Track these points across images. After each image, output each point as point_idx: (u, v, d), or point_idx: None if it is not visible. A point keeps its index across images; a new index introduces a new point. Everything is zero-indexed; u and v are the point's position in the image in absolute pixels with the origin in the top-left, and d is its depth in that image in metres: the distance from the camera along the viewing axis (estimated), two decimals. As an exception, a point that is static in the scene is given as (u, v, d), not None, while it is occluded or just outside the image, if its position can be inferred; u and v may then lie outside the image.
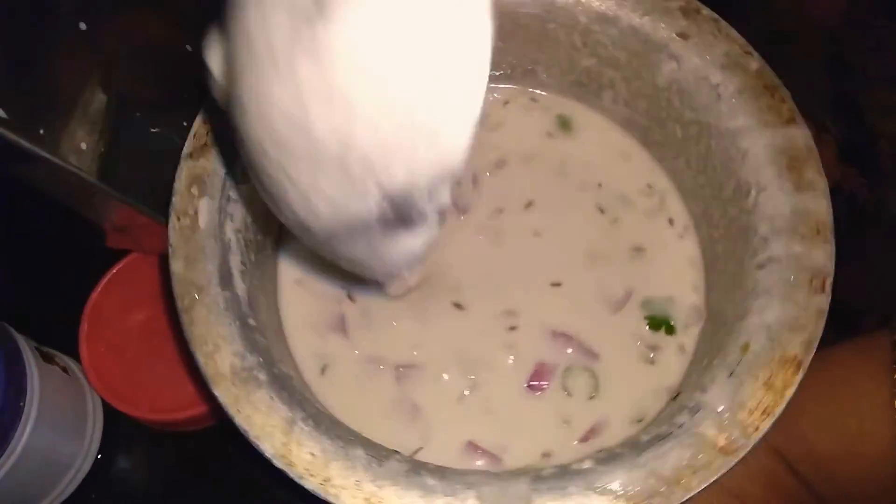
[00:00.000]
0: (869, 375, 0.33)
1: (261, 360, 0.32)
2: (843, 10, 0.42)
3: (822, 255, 0.33)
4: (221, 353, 0.31)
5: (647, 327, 0.39)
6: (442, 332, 0.38)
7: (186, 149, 0.36)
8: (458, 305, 0.39)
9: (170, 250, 0.33)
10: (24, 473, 0.38)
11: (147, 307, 0.44)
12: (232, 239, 0.35)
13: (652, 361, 0.38)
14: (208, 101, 0.35)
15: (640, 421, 0.36)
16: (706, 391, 0.31)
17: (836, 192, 0.40)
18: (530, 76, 0.44)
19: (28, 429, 0.37)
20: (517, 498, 0.29)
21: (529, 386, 0.37)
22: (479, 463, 0.35)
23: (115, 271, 0.45)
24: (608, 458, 0.30)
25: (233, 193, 0.36)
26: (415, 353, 0.38)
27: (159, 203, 0.38)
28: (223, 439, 0.45)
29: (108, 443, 0.45)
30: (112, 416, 0.45)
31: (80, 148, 0.34)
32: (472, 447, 0.36)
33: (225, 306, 0.32)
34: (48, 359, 0.41)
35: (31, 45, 0.33)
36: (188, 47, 0.40)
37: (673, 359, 0.38)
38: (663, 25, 0.38)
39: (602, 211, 0.41)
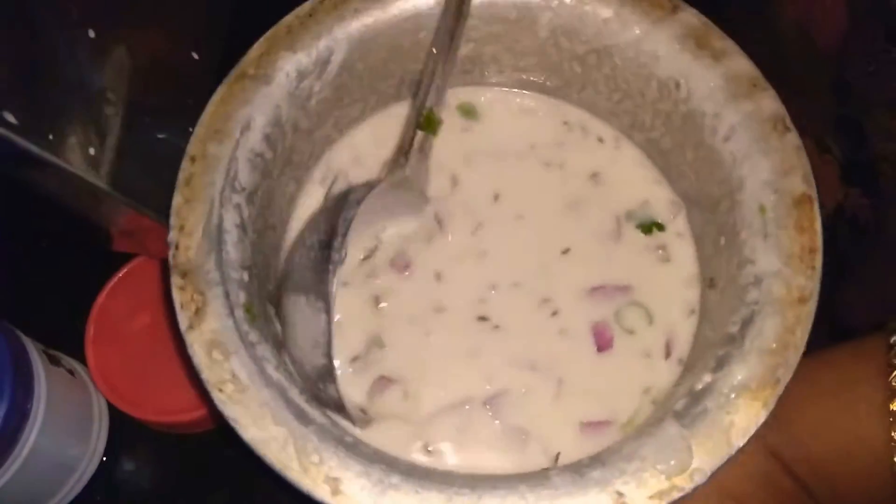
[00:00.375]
0: (864, 379, 0.33)
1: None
2: (846, 33, 0.42)
3: (770, 102, 0.35)
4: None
5: (643, 234, 0.41)
6: (494, 352, 0.38)
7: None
8: (484, 318, 0.39)
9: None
10: (31, 474, 0.38)
11: (152, 310, 0.45)
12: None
13: (667, 259, 0.40)
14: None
15: (693, 312, 0.39)
16: (755, 262, 0.33)
17: (838, 213, 0.40)
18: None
19: (35, 430, 0.37)
20: (678, 440, 0.30)
21: (599, 348, 0.38)
22: (604, 437, 0.35)
23: (120, 275, 0.45)
24: (723, 359, 0.32)
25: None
26: (488, 386, 0.37)
27: (165, 208, 0.39)
28: (227, 441, 0.45)
29: (114, 444, 0.45)
30: (117, 419, 0.45)
31: (88, 153, 0.34)
32: (588, 426, 0.36)
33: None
34: (55, 361, 0.42)
35: (41, 52, 0.33)
36: (194, 55, 0.40)
37: (680, 248, 0.40)
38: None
39: (548, 165, 0.43)
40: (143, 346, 0.44)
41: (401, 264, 0.40)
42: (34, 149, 0.32)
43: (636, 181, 0.42)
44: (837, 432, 0.33)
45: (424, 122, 0.38)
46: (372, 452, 0.31)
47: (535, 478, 0.30)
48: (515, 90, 0.45)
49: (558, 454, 0.36)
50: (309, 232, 0.38)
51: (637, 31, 0.39)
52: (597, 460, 0.31)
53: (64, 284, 0.48)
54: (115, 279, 0.45)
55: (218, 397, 0.30)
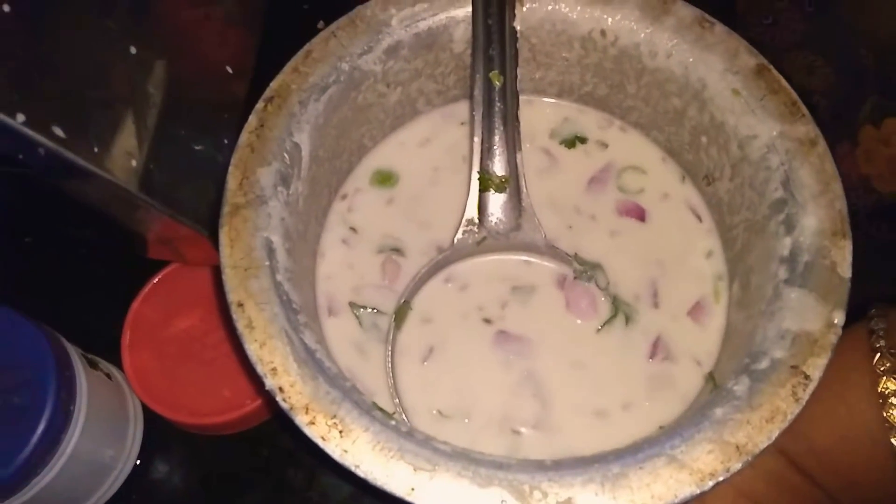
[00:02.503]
0: (852, 366, 0.34)
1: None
2: None
3: (684, 9, 0.40)
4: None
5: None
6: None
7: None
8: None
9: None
10: (72, 474, 0.40)
11: (186, 315, 0.46)
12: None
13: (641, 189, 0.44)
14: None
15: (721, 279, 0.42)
16: (758, 135, 0.37)
17: None
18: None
19: (77, 432, 0.39)
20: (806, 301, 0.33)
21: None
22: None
23: (155, 281, 0.47)
24: (791, 219, 0.35)
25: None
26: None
27: (201, 216, 0.40)
28: (258, 442, 0.46)
29: (148, 446, 0.46)
30: (151, 421, 0.46)
31: (129, 165, 0.36)
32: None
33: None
34: (93, 365, 0.43)
35: (86, 68, 0.35)
36: (228, 69, 0.42)
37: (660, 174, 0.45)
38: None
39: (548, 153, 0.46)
40: (178, 351, 0.45)
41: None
42: (80, 161, 0.33)
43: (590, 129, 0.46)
44: (835, 421, 0.34)
45: (481, 184, 0.41)
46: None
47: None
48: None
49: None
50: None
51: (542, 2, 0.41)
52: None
53: (101, 291, 0.50)
54: (149, 285, 0.47)
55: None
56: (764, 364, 0.32)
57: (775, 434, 0.30)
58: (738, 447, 0.30)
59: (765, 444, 0.30)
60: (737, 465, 0.30)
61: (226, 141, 0.41)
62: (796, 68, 0.44)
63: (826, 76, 0.45)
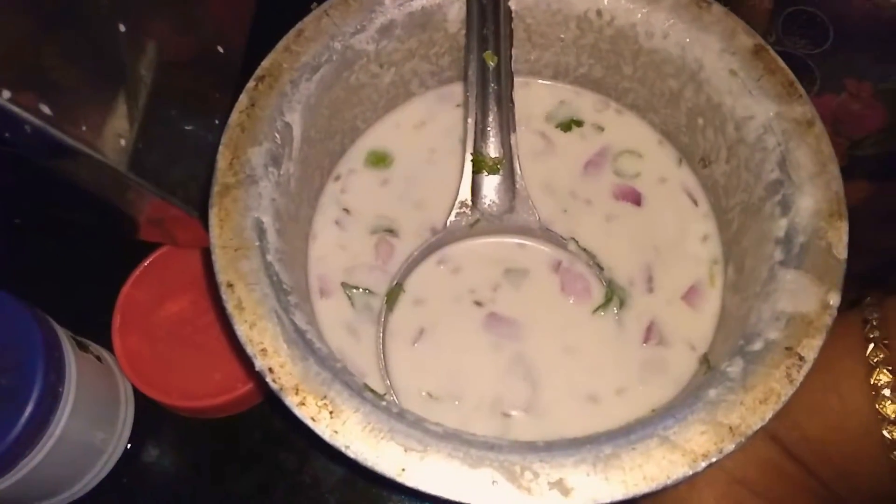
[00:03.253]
0: (845, 355, 0.34)
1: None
2: None
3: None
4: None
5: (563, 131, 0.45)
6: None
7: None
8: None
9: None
10: (61, 456, 0.39)
11: (178, 298, 0.46)
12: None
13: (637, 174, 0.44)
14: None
15: (717, 263, 0.41)
16: (755, 116, 0.37)
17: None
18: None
19: (66, 413, 0.39)
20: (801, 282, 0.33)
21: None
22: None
23: (146, 264, 0.46)
24: (786, 200, 0.35)
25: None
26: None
27: (191, 197, 0.40)
28: (250, 425, 0.46)
29: (139, 429, 0.46)
30: (142, 404, 0.46)
31: (119, 144, 0.35)
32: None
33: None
34: (83, 347, 0.43)
35: (73, 45, 0.34)
36: (220, 48, 0.41)
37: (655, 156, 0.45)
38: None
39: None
40: (169, 334, 0.45)
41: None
42: (68, 139, 0.33)
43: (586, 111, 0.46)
44: (828, 411, 0.34)
45: (475, 166, 0.41)
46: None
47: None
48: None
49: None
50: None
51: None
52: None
53: (91, 274, 0.50)
54: (140, 268, 0.46)
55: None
56: (758, 345, 0.32)
57: (769, 415, 0.30)
58: (731, 428, 0.30)
59: (758, 426, 0.30)
60: (730, 447, 0.30)
61: (217, 121, 0.41)
62: None
63: None
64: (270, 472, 0.45)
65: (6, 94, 0.30)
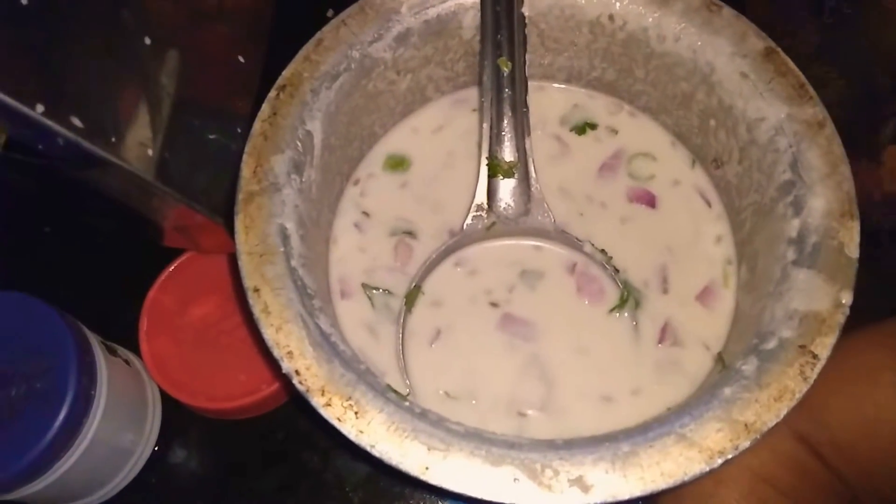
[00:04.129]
0: (883, 365, 0.35)
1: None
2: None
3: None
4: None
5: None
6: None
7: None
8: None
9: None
10: (93, 458, 0.41)
11: (202, 302, 0.47)
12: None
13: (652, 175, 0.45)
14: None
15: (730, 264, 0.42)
16: (766, 117, 0.38)
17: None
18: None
19: (98, 416, 0.40)
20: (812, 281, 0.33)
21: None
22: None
23: (171, 269, 0.48)
24: (799, 201, 0.35)
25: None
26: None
27: (215, 204, 0.41)
28: (274, 426, 0.47)
29: (167, 430, 0.47)
30: (169, 406, 0.47)
31: (146, 154, 0.36)
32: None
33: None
34: (112, 351, 0.44)
35: (102, 59, 0.35)
36: (241, 58, 0.42)
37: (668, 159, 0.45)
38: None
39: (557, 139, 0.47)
40: (194, 337, 0.46)
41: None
42: (98, 151, 0.34)
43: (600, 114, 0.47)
44: (860, 417, 0.35)
45: (490, 170, 0.41)
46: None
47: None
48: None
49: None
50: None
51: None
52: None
53: (119, 279, 0.51)
54: (165, 273, 0.47)
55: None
56: (772, 344, 0.33)
57: (783, 412, 0.31)
58: (746, 425, 0.31)
59: (773, 423, 0.31)
60: (745, 444, 0.30)
61: (239, 129, 0.42)
62: (810, 80, 0.44)
63: (839, 89, 0.45)
64: (294, 471, 0.46)
65: (40, 107, 0.31)
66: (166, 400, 0.47)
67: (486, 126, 0.41)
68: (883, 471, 0.35)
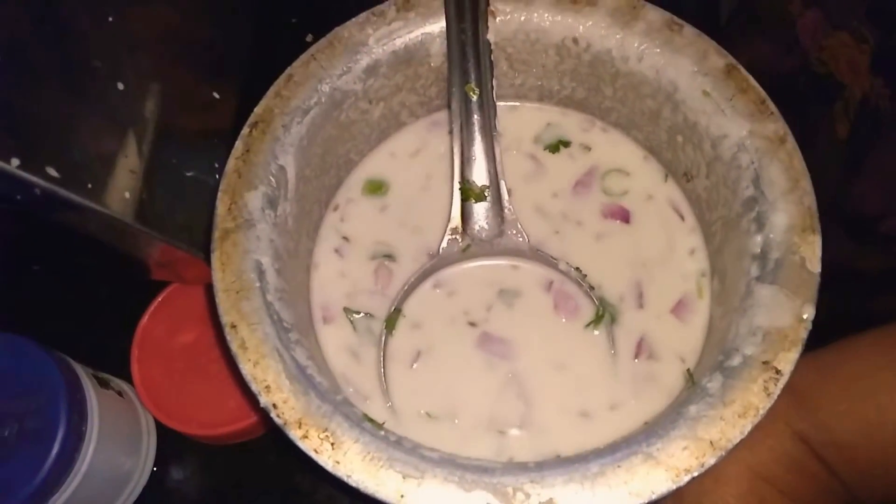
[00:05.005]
0: (886, 366, 0.35)
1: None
2: None
3: (654, 13, 0.41)
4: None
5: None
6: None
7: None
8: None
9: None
10: (89, 489, 0.42)
11: (191, 330, 0.48)
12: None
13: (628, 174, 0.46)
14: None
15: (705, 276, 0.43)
16: (728, 135, 0.38)
17: (864, 103, 0.42)
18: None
19: (91, 450, 0.41)
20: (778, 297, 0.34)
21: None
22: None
23: (160, 300, 0.49)
24: (761, 217, 0.36)
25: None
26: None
27: (195, 239, 0.42)
28: (266, 450, 0.48)
29: (162, 457, 0.49)
30: (164, 431, 0.48)
31: (124, 196, 0.37)
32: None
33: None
34: (104, 384, 0.45)
35: (76, 108, 0.36)
36: (215, 94, 0.43)
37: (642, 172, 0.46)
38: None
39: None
40: (184, 365, 0.47)
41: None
42: (76, 198, 0.35)
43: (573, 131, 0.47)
44: (861, 419, 0.35)
45: (462, 194, 0.42)
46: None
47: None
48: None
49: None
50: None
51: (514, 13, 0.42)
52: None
53: (108, 312, 0.52)
54: (154, 304, 0.49)
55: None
56: (736, 361, 0.33)
57: (748, 428, 0.32)
58: (711, 443, 0.31)
59: (738, 439, 0.31)
60: (711, 460, 0.31)
61: (216, 164, 0.43)
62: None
63: None
64: (287, 494, 0.47)
65: (15, 161, 0.32)
66: (160, 426, 0.48)
67: (457, 150, 0.42)
68: (883, 473, 0.35)
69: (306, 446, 0.32)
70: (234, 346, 0.34)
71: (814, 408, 0.35)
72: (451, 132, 0.45)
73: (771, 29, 0.39)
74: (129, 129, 0.39)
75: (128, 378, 0.47)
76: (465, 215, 0.42)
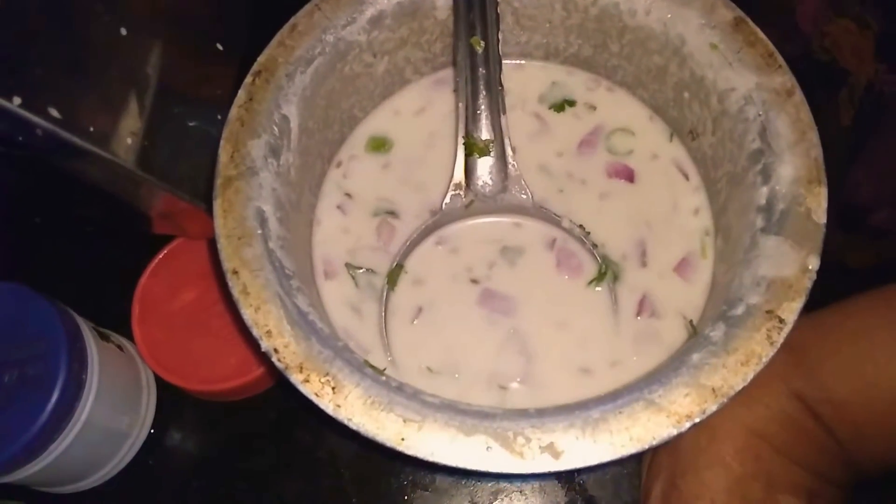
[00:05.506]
0: (882, 326, 0.35)
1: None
2: None
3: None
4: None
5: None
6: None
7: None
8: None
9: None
10: (87, 441, 0.42)
11: (192, 287, 0.48)
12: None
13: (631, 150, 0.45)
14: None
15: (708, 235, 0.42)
16: (736, 88, 0.38)
17: (868, 89, 0.42)
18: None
19: (91, 399, 0.41)
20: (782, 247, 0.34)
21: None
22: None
23: (161, 256, 0.49)
24: (767, 168, 0.36)
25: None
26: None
27: (198, 190, 0.42)
28: (267, 406, 0.48)
29: (162, 413, 0.48)
30: (164, 390, 0.48)
31: (126, 143, 0.37)
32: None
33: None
34: (105, 337, 0.45)
35: (78, 50, 0.36)
36: (219, 46, 0.43)
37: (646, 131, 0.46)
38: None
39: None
40: (185, 322, 0.47)
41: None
42: (77, 140, 0.34)
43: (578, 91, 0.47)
44: (858, 377, 0.35)
45: (467, 149, 0.42)
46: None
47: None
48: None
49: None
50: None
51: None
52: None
53: (110, 267, 0.52)
54: (156, 260, 0.48)
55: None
56: (740, 310, 0.33)
57: (750, 376, 0.31)
58: (714, 390, 0.31)
59: (740, 386, 0.31)
60: (713, 407, 0.31)
61: (219, 116, 0.43)
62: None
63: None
64: (288, 449, 0.47)
65: (17, 99, 0.32)
66: (161, 384, 0.48)
67: (461, 105, 0.42)
68: (878, 432, 0.35)
69: (307, 390, 0.32)
70: (236, 292, 0.34)
71: (810, 366, 0.35)
72: (455, 89, 0.45)
73: (768, 15, 0.39)
74: (133, 76, 0.39)
75: (128, 335, 0.47)
76: (469, 171, 0.42)
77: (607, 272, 0.41)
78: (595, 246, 0.42)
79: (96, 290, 0.50)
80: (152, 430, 0.48)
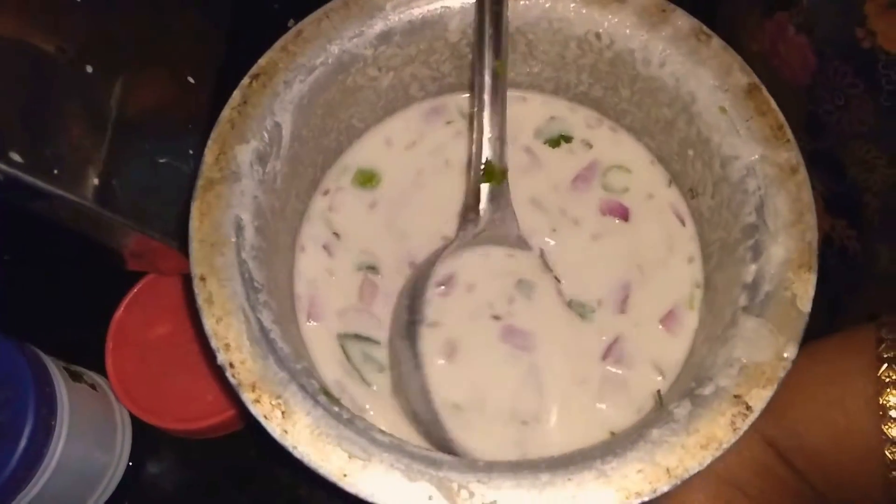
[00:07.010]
0: (854, 371, 0.34)
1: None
2: (814, 71, 0.42)
3: (683, 18, 0.39)
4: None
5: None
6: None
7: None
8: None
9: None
10: (59, 485, 0.41)
11: (166, 323, 0.47)
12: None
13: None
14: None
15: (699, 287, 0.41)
16: (739, 156, 0.37)
17: (827, 243, 0.40)
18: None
19: (60, 444, 0.40)
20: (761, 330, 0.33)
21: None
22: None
23: (135, 291, 0.48)
24: (757, 246, 0.35)
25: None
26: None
27: (169, 228, 0.41)
28: (245, 443, 0.47)
29: (138, 451, 0.48)
30: (140, 427, 0.47)
31: (92, 183, 0.36)
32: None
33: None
34: (76, 377, 0.44)
35: (41, 90, 0.35)
36: (190, 79, 0.42)
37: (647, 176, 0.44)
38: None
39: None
40: (160, 358, 0.46)
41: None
42: (40, 184, 0.34)
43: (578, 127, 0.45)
44: (829, 424, 0.34)
45: (486, 175, 0.40)
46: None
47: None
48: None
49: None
50: (399, 298, 0.41)
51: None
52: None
53: (83, 304, 0.51)
54: (129, 295, 0.48)
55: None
56: (708, 390, 0.32)
57: (708, 461, 0.31)
58: (668, 470, 0.30)
59: (695, 469, 0.30)
60: (664, 487, 0.30)
61: (191, 151, 0.41)
62: (856, 160, 0.42)
63: (885, 178, 0.42)
64: (267, 487, 0.46)
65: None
66: (137, 420, 0.47)
67: (484, 128, 0.39)
68: (852, 480, 0.35)
69: (257, 411, 0.32)
70: (201, 300, 0.33)
71: (783, 413, 0.35)
72: (455, 119, 0.44)
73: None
74: (99, 114, 0.37)
75: (102, 371, 0.46)
76: (472, 199, 0.40)
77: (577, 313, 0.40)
78: (559, 281, 0.41)
79: (68, 325, 0.49)
80: (130, 464, 0.47)
